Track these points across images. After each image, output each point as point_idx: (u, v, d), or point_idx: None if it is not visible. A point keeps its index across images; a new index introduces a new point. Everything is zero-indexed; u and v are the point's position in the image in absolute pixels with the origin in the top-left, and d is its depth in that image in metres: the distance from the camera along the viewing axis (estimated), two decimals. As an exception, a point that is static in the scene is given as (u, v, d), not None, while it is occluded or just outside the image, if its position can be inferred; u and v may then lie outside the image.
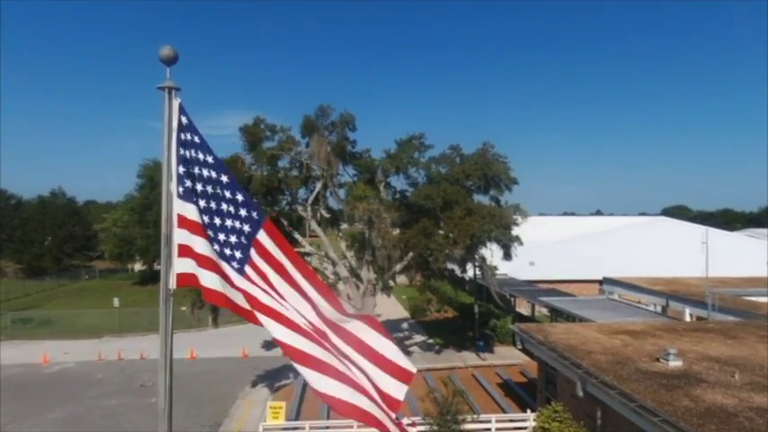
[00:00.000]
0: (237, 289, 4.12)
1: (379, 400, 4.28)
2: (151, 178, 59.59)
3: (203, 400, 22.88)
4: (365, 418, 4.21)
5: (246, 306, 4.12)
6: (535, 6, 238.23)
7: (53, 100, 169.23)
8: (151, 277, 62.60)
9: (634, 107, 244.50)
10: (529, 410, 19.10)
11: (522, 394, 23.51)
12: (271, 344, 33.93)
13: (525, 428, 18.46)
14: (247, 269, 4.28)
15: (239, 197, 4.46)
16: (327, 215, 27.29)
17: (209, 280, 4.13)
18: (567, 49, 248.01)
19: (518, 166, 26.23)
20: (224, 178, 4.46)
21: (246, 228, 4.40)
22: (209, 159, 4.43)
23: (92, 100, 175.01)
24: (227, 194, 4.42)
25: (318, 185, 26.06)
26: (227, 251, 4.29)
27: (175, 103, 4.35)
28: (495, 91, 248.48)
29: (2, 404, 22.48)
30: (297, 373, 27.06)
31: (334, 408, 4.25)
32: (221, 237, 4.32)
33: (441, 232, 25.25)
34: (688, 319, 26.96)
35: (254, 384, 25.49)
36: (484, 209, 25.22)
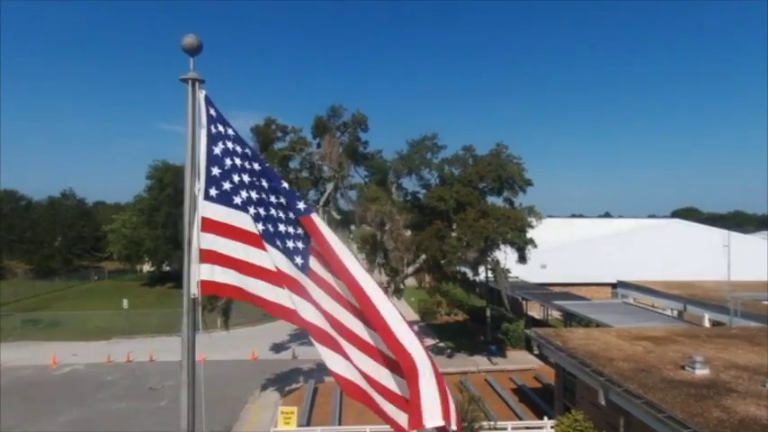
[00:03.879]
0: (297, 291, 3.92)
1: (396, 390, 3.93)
2: (160, 180, 59.61)
3: (213, 404, 22.54)
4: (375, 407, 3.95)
5: (270, 298, 3.92)
6: (542, 7, 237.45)
7: (63, 101, 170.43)
8: (160, 278, 62.60)
9: (643, 108, 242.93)
10: (546, 417, 18.63)
11: (537, 400, 23.03)
12: (280, 346, 33.63)
13: (542, 436, 18.00)
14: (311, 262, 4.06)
15: (281, 187, 4.19)
16: (338, 217, 26.98)
17: (226, 276, 3.93)
18: (575, 51, 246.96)
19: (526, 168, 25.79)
20: (262, 167, 4.21)
21: (291, 215, 4.17)
22: (246, 151, 4.16)
23: (102, 102, 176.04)
24: (273, 184, 4.16)
25: (329, 187, 25.78)
26: (288, 243, 4.08)
27: (200, 96, 4.00)
28: (502, 92, 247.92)
29: (11, 406, 22.33)
30: (307, 377, 26.76)
31: (346, 390, 3.99)
32: (280, 228, 4.09)
33: (454, 234, 24.83)
34: (707, 324, 26.32)
35: (264, 388, 25.19)
36: (498, 211, 24.77)
